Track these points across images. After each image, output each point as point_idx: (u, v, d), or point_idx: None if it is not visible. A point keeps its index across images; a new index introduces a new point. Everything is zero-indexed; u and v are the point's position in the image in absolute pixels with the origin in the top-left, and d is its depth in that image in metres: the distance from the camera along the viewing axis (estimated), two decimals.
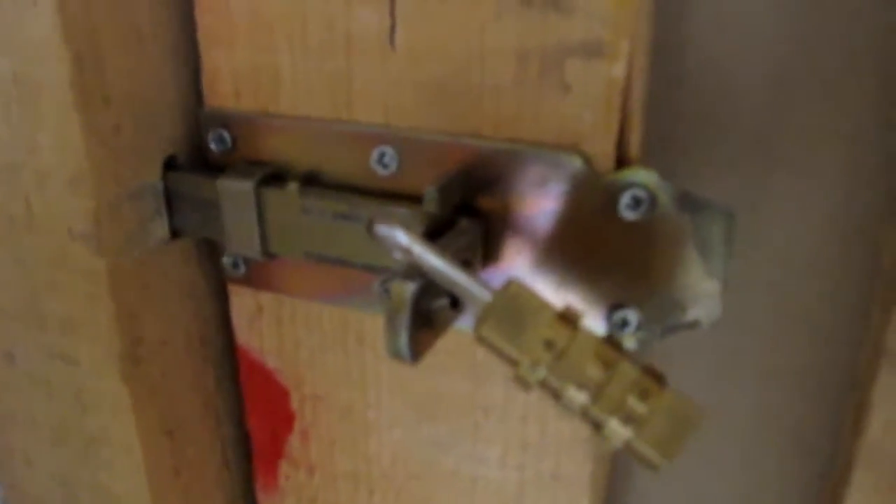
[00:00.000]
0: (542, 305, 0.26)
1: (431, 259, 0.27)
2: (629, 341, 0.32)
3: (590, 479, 0.37)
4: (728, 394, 0.40)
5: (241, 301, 0.41)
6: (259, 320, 0.40)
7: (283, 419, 0.42)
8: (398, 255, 0.28)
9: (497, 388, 0.37)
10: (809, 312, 0.38)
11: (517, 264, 0.33)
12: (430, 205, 0.30)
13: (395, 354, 0.28)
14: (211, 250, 0.41)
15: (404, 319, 0.27)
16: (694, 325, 0.32)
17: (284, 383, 0.42)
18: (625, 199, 0.30)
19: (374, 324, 0.38)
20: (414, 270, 0.28)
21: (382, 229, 0.28)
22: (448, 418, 0.38)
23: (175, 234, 0.38)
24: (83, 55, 0.33)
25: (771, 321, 0.38)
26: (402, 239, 0.28)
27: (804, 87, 0.35)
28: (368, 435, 0.41)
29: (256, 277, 0.39)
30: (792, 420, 0.39)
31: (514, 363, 0.25)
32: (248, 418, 0.44)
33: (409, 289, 0.27)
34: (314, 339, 0.40)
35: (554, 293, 0.33)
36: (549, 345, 0.25)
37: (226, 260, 0.39)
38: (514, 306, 0.26)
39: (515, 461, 0.38)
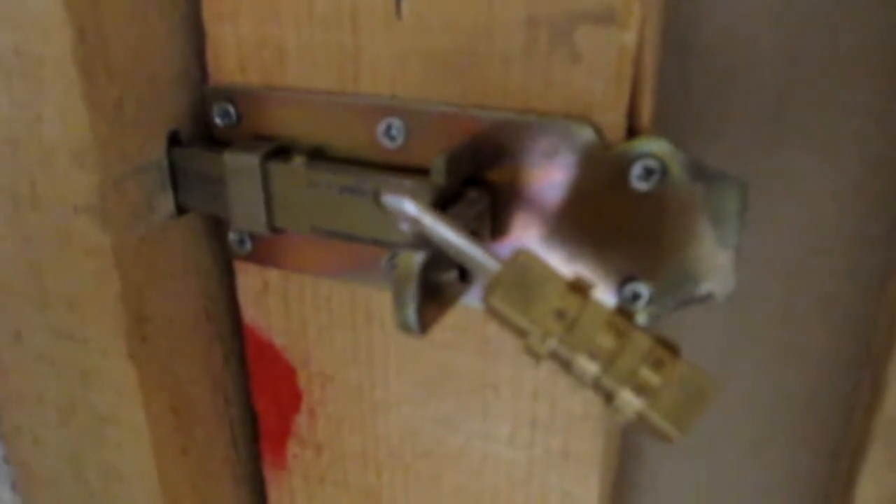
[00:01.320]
0: (552, 275, 0.25)
1: (440, 229, 0.27)
2: (641, 315, 0.32)
3: (600, 457, 0.36)
4: (741, 371, 0.40)
5: (248, 278, 0.40)
6: (266, 297, 0.40)
7: (291, 397, 0.42)
8: (406, 227, 0.28)
9: (506, 364, 0.36)
10: (824, 289, 0.37)
11: (526, 237, 0.32)
12: (438, 176, 0.29)
13: (404, 326, 0.27)
14: (217, 227, 0.40)
15: (412, 290, 0.26)
16: (707, 298, 0.31)
17: (292, 361, 0.41)
18: (636, 169, 0.30)
19: (381, 301, 0.37)
20: (421, 241, 0.27)
21: (390, 199, 0.28)
22: (457, 396, 0.38)
23: (181, 210, 0.38)
24: (86, 28, 0.32)
25: (784, 298, 0.38)
26: (410, 209, 0.27)
27: (818, 59, 0.35)
28: (376, 413, 0.40)
29: (263, 254, 0.39)
30: (805, 398, 0.39)
31: (523, 334, 0.25)
32: (255, 397, 0.43)
33: (416, 259, 0.26)
34: (321, 316, 0.39)
35: (564, 266, 0.32)
36: (559, 314, 0.25)
37: (232, 236, 0.39)
38: (523, 276, 0.25)
39: (525, 439, 0.37)
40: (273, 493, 0.46)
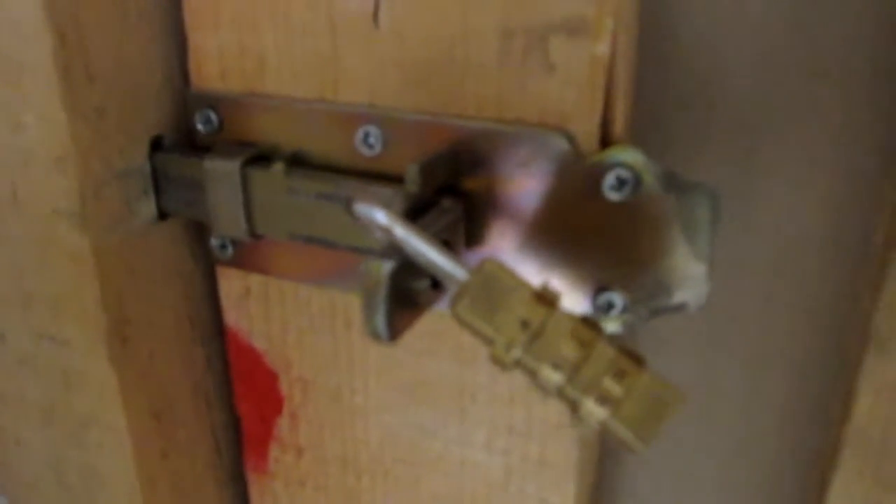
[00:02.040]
0: (519, 284, 0.25)
1: (410, 238, 0.27)
2: (614, 324, 0.32)
3: (576, 464, 0.36)
4: (718, 379, 0.40)
5: (229, 283, 0.40)
6: (247, 302, 0.40)
7: (272, 402, 0.42)
8: (379, 235, 0.28)
9: (482, 371, 0.36)
10: (800, 296, 0.37)
11: (501, 246, 0.33)
12: (412, 184, 0.30)
13: (373, 333, 0.27)
14: (199, 232, 0.41)
15: (381, 298, 0.27)
16: (680, 308, 0.32)
17: (273, 366, 0.41)
18: (609, 179, 0.30)
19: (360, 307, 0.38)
20: (392, 249, 0.27)
21: (361, 208, 0.28)
22: (434, 402, 0.38)
23: (163, 215, 0.38)
24: (66, 34, 0.33)
25: (760, 305, 0.38)
26: (381, 218, 0.27)
27: (795, 66, 0.35)
28: (356, 418, 0.41)
29: (244, 259, 0.39)
30: (782, 405, 0.39)
31: (489, 342, 0.25)
32: (237, 400, 0.44)
33: (385, 267, 0.27)
34: (302, 321, 0.39)
35: (538, 275, 0.32)
36: (524, 324, 0.25)
37: (213, 241, 0.39)
38: (490, 285, 0.25)
39: (502, 445, 0.38)
40: (255, 497, 0.46)
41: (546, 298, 0.25)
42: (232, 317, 0.41)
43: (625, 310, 0.32)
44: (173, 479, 0.42)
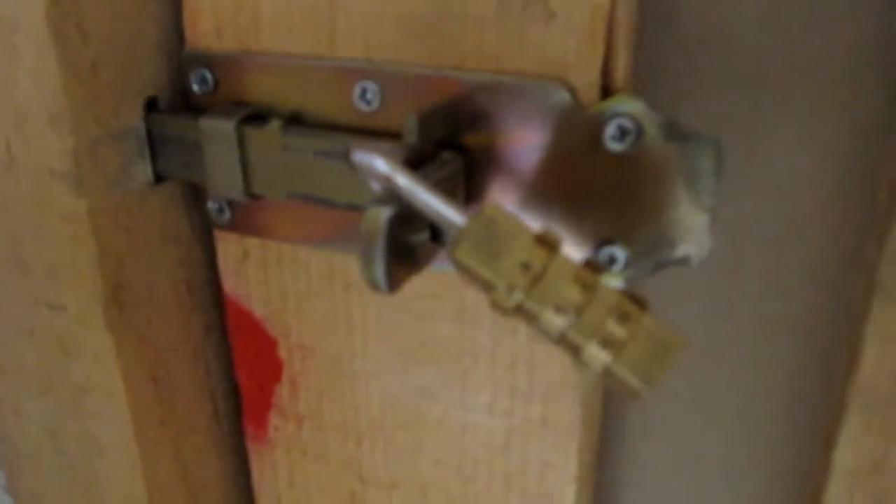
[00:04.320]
0: (520, 228, 0.25)
1: (410, 185, 0.26)
2: (617, 278, 0.32)
3: (579, 425, 0.36)
4: (722, 338, 0.39)
5: (227, 247, 0.40)
6: (245, 266, 0.40)
7: (272, 368, 0.42)
8: (377, 186, 0.28)
9: (484, 332, 0.36)
10: (806, 255, 0.37)
11: (501, 200, 0.32)
12: (411, 135, 0.29)
13: (371, 283, 0.27)
14: (197, 195, 0.40)
15: (379, 246, 0.26)
16: (684, 261, 0.31)
17: (272, 332, 0.41)
18: (610, 129, 0.30)
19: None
20: (391, 198, 0.27)
21: (360, 156, 0.27)
22: (435, 365, 0.38)
23: (159, 177, 0.38)
24: None
25: (766, 265, 0.38)
26: (381, 165, 0.27)
27: (800, 22, 0.34)
28: (356, 383, 0.40)
29: (242, 222, 0.39)
30: (788, 364, 0.39)
31: (490, 288, 0.25)
32: (236, 368, 0.43)
33: (384, 214, 0.26)
34: (301, 285, 0.39)
35: (539, 229, 0.32)
36: (525, 267, 0.24)
37: (211, 205, 0.39)
38: (490, 230, 0.25)
39: (504, 407, 0.37)
40: (256, 466, 0.46)
41: (547, 241, 0.25)
42: (230, 282, 0.41)
43: (628, 264, 0.31)
44: (172, 447, 0.42)
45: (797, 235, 0.37)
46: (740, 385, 0.40)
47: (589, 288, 0.24)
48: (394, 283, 0.27)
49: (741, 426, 0.41)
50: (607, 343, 0.24)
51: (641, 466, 0.44)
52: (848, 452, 0.32)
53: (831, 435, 0.33)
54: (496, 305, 0.25)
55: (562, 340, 0.25)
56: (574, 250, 0.32)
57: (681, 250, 0.31)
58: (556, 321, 0.24)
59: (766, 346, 0.38)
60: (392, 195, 0.27)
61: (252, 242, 0.39)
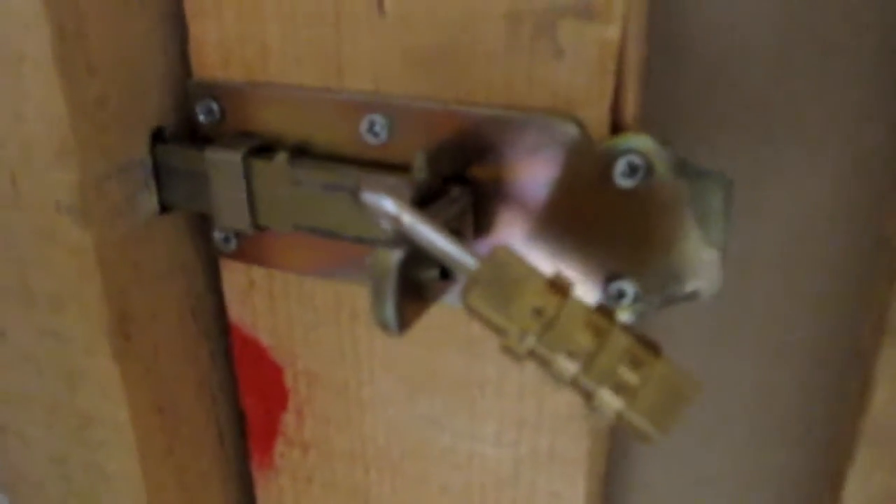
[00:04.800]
0: (531, 273, 0.25)
1: (418, 226, 0.26)
2: (626, 313, 0.32)
3: (587, 456, 0.36)
4: (730, 369, 0.39)
5: (233, 276, 0.40)
6: (251, 296, 0.40)
7: (278, 396, 0.42)
8: (386, 225, 0.28)
9: (491, 364, 0.36)
10: (813, 286, 0.37)
11: (510, 235, 0.32)
12: (420, 172, 0.29)
13: (382, 324, 0.27)
14: (203, 225, 0.40)
15: (389, 288, 0.26)
16: (693, 296, 0.31)
17: (278, 360, 0.41)
18: (620, 166, 0.30)
19: (367, 299, 0.37)
20: (401, 238, 0.27)
21: (369, 196, 0.27)
22: (443, 395, 0.38)
23: (165, 208, 0.38)
24: (65, 25, 0.32)
25: (773, 295, 0.37)
26: (389, 206, 0.27)
27: (807, 53, 0.34)
28: (363, 412, 0.40)
29: (248, 252, 0.38)
30: (795, 396, 0.38)
31: (502, 333, 0.25)
32: (242, 395, 0.43)
33: (394, 256, 0.26)
34: (307, 314, 0.39)
35: (548, 264, 0.32)
36: (537, 313, 0.24)
37: (217, 234, 0.39)
38: (501, 274, 0.25)
39: (511, 438, 0.37)
40: (261, 493, 0.45)
41: (559, 286, 0.25)
42: (236, 310, 0.41)
43: (637, 298, 0.31)
44: (178, 475, 0.42)
45: (805, 264, 0.37)
46: (747, 413, 0.40)
47: (601, 333, 0.24)
48: (404, 323, 0.27)
49: (748, 454, 0.40)
50: (619, 389, 0.24)
51: (648, 493, 0.44)
52: (858, 488, 0.32)
53: (841, 471, 0.33)
54: (508, 350, 0.25)
55: (574, 385, 0.24)
56: (583, 285, 0.32)
57: (690, 286, 0.31)
58: (569, 366, 0.24)
59: (774, 375, 0.38)
60: (402, 235, 0.27)
61: (258, 272, 0.39)
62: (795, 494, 0.40)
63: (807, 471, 0.39)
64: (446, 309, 0.35)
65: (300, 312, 0.39)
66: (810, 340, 0.37)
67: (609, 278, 0.31)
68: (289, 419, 0.42)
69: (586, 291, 0.32)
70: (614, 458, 0.44)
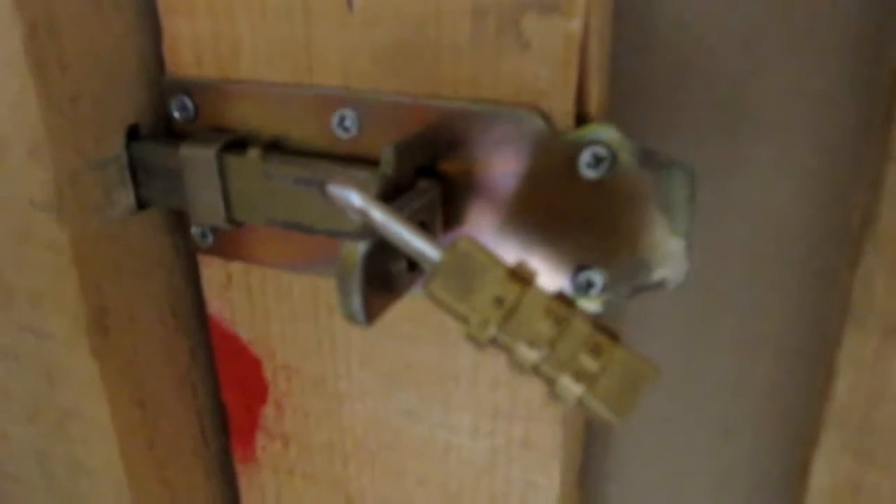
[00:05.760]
0: (493, 262, 0.25)
1: (383, 219, 0.27)
2: (594, 303, 0.32)
3: (561, 445, 0.36)
4: (702, 360, 0.40)
5: (211, 271, 0.40)
6: (229, 290, 0.40)
7: (257, 390, 0.42)
8: (354, 217, 0.28)
9: (466, 354, 0.36)
10: (783, 277, 0.37)
11: (479, 227, 0.33)
12: (387, 166, 0.29)
13: (349, 316, 0.27)
14: (180, 221, 0.41)
15: (355, 280, 0.26)
16: (660, 284, 0.31)
17: (257, 354, 0.41)
18: (585, 157, 0.30)
19: None
20: (367, 231, 0.27)
21: (335, 190, 0.27)
22: (419, 387, 0.38)
23: (141, 204, 0.38)
24: (37, 24, 0.32)
25: (743, 287, 0.38)
26: (355, 199, 0.27)
27: (774, 48, 0.35)
28: (341, 405, 0.40)
29: (225, 247, 0.39)
30: (768, 387, 0.39)
31: (464, 321, 0.25)
32: (222, 389, 0.43)
33: (360, 248, 0.26)
34: (284, 308, 0.39)
35: (516, 255, 0.32)
36: (498, 302, 0.25)
37: (194, 230, 0.39)
38: (463, 263, 0.25)
39: (486, 429, 0.37)
40: (244, 487, 0.46)
41: (520, 276, 0.25)
42: (214, 305, 0.41)
43: (605, 288, 0.32)
44: (160, 470, 0.42)
45: (773, 255, 0.37)
46: (721, 404, 0.40)
47: (561, 321, 0.25)
48: (371, 315, 0.28)
49: (721, 444, 0.41)
50: (580, 376, 0.24)
51: (625, 483, 0.45)
52: (825, 474, 0.32)
53: (808, 456, 0.33)
54: (471, 338, 0.25)
55: (536, 372, 0.25)
56: (551, 275, 0.32)
57: (657, 275, 0.31)
58: (530, 354, 0.25)
59: (746, 365, 0.39)
60: (369, 227, 0.27)
61: (235, 267, 0.39)
62: (768, 483, 0.40)
63: (779, 460, 0.40)
64: (421, 301, 0.35)
65: (278, 306, 0.40)
66: (780, 331, 0.38)
67: (577, 268, 0.32)
68: (269, 412, 0.43)
69: (554, 282, 0.32)
70: (592, 450, 0.45)
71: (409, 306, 0.35)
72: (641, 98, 0.37)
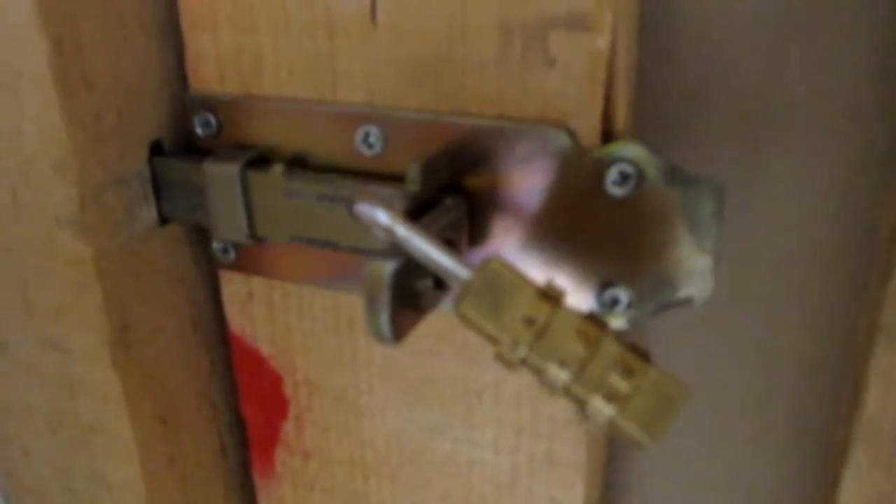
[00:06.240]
0: (523, 282, 0.25)
1: (411, 238, 0.27)
2: (619, 320, 0.32)
3: (585, 462, 0.36)
4: (726, 373, 0.40)
5: (232, 287, 0.40)
6: (250, 306, 0.40)
7: (278, 405, 0.42)
8: (381, 235, 0.28)
9: (489, 370, 0.36)
10: (806, 289, 0.37)
11: (504, 243, 0.32)
12: (413, 183, 0.29)
13: (376, 335, 0.27)
14: (202, 236, 0.41)
15: (383, 299, 0.26)
16: (686, 302, 0.31)
17: (278, 369, 0.41)
18: (611, 174, 0.30)
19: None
20: (395, 250, 0.27)
21: (362, 208, 0.27)
22: (441, 402, 0.38)
23: (164, 220, 0.38)
24: (62, 41, 0.32)
25: (767, 299, 0.38)
26: (382, 218, 0.27)
27: (797, 59, 0.34)
28: (362, 420, 0.40)
29: (246, 263, 0.39)
30: (791, 399, 0.39)
31: (494, 341, 0.25)
32: (242, 404, 0.43)
33: (387, 268, 0.26)
34: (306, 324, 0.39)
35: (542, 272, 0.32)
36: (529, 322, 0.25)
37: (215, 245, 0.39)
38: (493, 283, 0.25)
39: (509, 445, 0.37)
40: (263, 501, 0.46)
41: (550, 296, 0.25)
42: (235, 321, 0.41)
43: (630, 305, 0.32)
44: (180, 485, 0.42)
45: (799, 269, 0.37)
46: (744, 417, 0.40)
47: (592, 342, 0.24)
48: (399, 333, 0.28)
49: (745, 458, 0.41)
50: (611, 397, 0.24)
51: (646, 497, 0.44)
52: (854, 490, 0.32)
53: (836, 473, 0.33)
54: (501, 358, 0.25)
55: (566, 393, 0.25)
56: (577, 292, 0.32)
57: (683, 292, 0.31)
58: (561, 375, 0.24)
59: (770, 380, 0.39)
60: (395, 246, 0.27)
61: (257, 282, 0.39)
62: (792, 498, 0.40)
63: (804, 474, 0.39)
64: (443, 317, 0.35)
65: (299, 322, 0.39)
66: (804, 344, 0.37)
67: (602, 286, 0.32)
68: (289, 427, 0.43)
69: (580, 299, 0.32)
70: (614, 465, 0.44)
71: (431, 322, 0.35)
72: (664, 111, 0.37)
